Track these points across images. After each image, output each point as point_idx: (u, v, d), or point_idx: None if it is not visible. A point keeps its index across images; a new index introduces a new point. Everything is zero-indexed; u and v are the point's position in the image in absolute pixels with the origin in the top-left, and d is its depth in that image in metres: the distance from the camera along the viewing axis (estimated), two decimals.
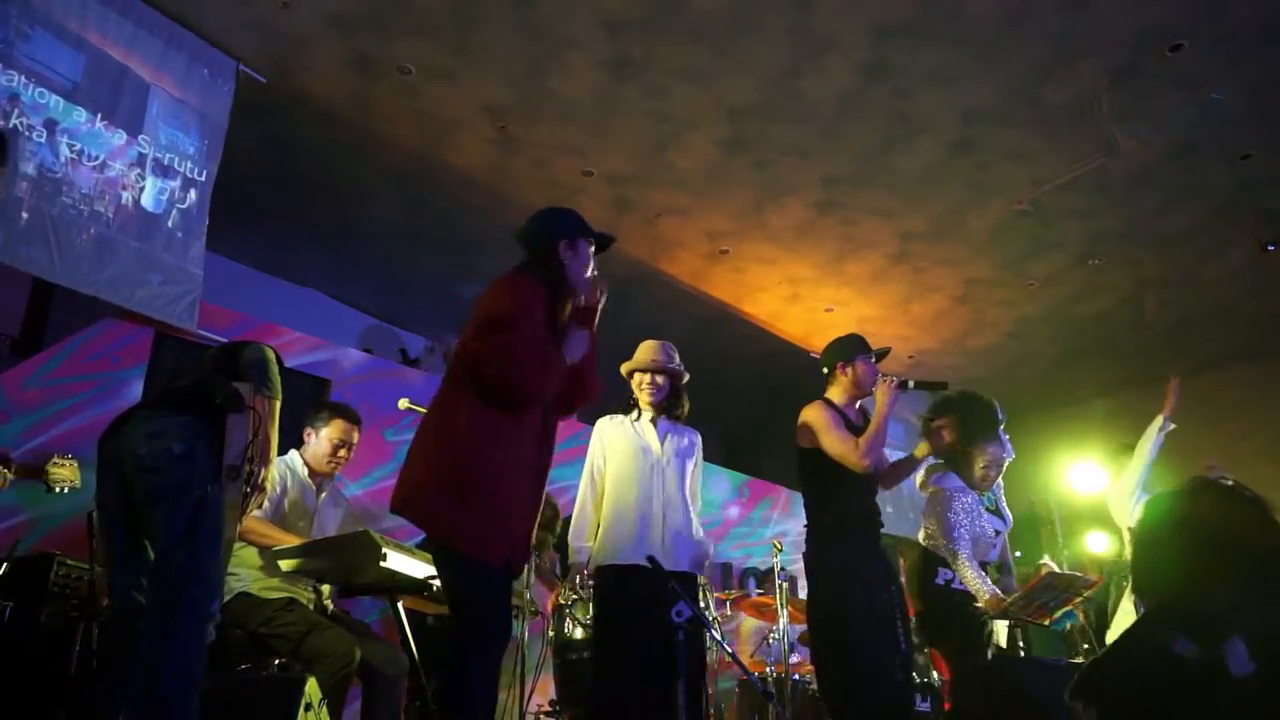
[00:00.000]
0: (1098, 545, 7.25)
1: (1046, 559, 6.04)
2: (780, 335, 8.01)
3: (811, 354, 8.14)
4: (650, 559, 2.99)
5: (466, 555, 2.29)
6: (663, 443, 3.61)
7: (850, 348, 3.65)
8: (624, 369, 3.74)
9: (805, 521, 3.52)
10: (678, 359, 3.73)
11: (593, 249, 2.90)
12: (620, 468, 3.57)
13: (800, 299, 7.48)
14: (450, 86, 5.07)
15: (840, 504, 3.43)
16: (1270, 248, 6.34)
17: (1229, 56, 4.74)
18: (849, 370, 3.60)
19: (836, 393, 3.62)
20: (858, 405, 3.63)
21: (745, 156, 5.66)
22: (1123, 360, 8.52)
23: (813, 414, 3.50)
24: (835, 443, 3.37)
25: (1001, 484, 4.00)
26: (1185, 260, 6.78)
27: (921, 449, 3.72)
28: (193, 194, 4.65)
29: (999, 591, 3.51)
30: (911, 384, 3.57)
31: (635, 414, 3.67)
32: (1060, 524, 8.56)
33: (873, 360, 3.63)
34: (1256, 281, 7.02)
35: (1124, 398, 9.09)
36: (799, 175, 5.84)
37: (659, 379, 3.65)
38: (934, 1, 4.43)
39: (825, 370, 3.69)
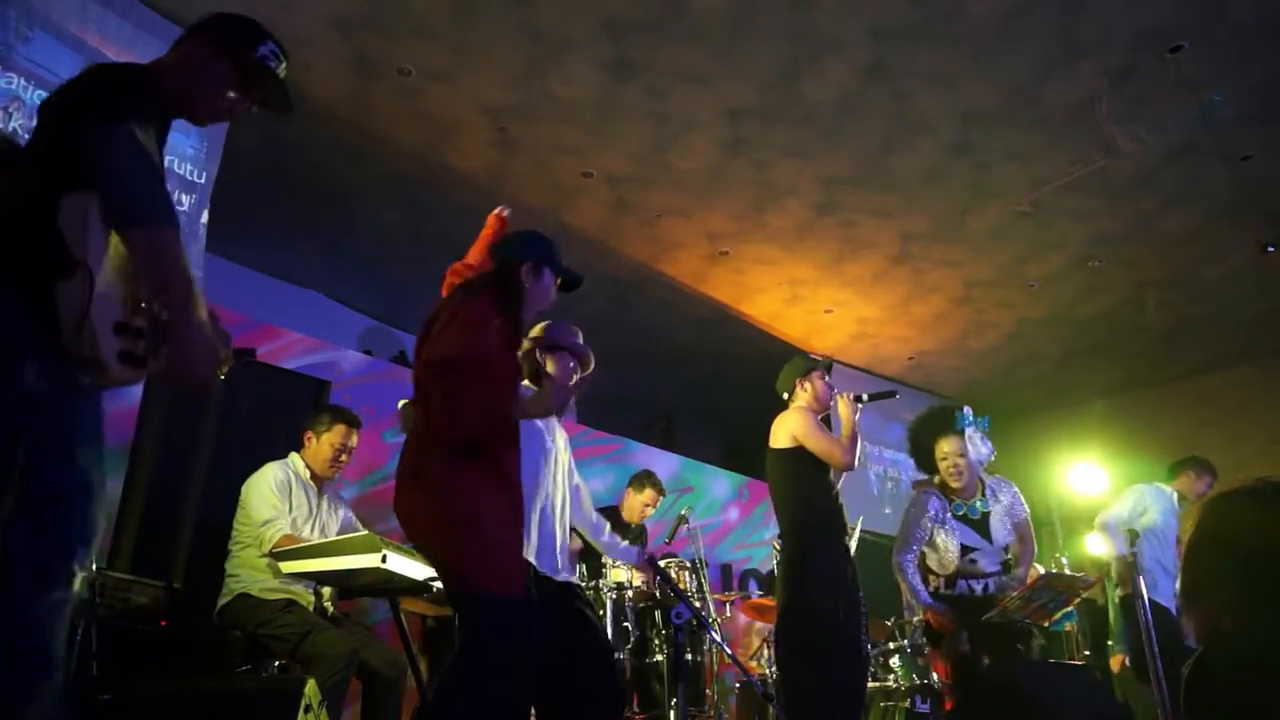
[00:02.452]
0: (1097, 547, 7.24)
1: (1035, 565, 6.05)
2: (780, 336, 8.01)
3: (812, 355, 8.14)
4: (651, 559, 2.95)
5: (488, 591, 2.19)
6: (555, 433, 3.13)
7: (803, 365, 3.89)
8: (536, 338, 3.13)
9: (782, 522, 3.64)
10: None
11: (558, 283, 2.75)
12: (530, 455, 2.89)
13: (800, 300, 7.48)
14: (450, 88, 5.07)
15: (820, 503, 3.59)
16: (1270, 249, 6.34)
17: (1229, 57, 4.74)
18: (808, 385, 3.81)
19: (803, 407, 3.79)
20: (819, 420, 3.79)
21: (745, 157, 5.66)
22: (1123, 361, 8.53)
23: (794, 415, 3.69)
24: (822, 440, 3.59)
25: (1003, 494, 3.99)
26: (1185, 261, 6.79)
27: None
28: (193, 196, 4.65)
29: (931, 603, 3.55)
30: (866, 397, 3.81)
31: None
32: (1060, 525, 8.56)
33: (824, 375, 3.85)
34: (1256, 283, 7.02)
35: (1124, 399, 9.10)
36: (799, 176, 5.84)
37: (578, 369, 3.15)
38: (934, 2, 4.43)
39: (786, 395, 3.87)
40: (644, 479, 5.46)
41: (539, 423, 2.92)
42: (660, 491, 5.43)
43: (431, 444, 2.34)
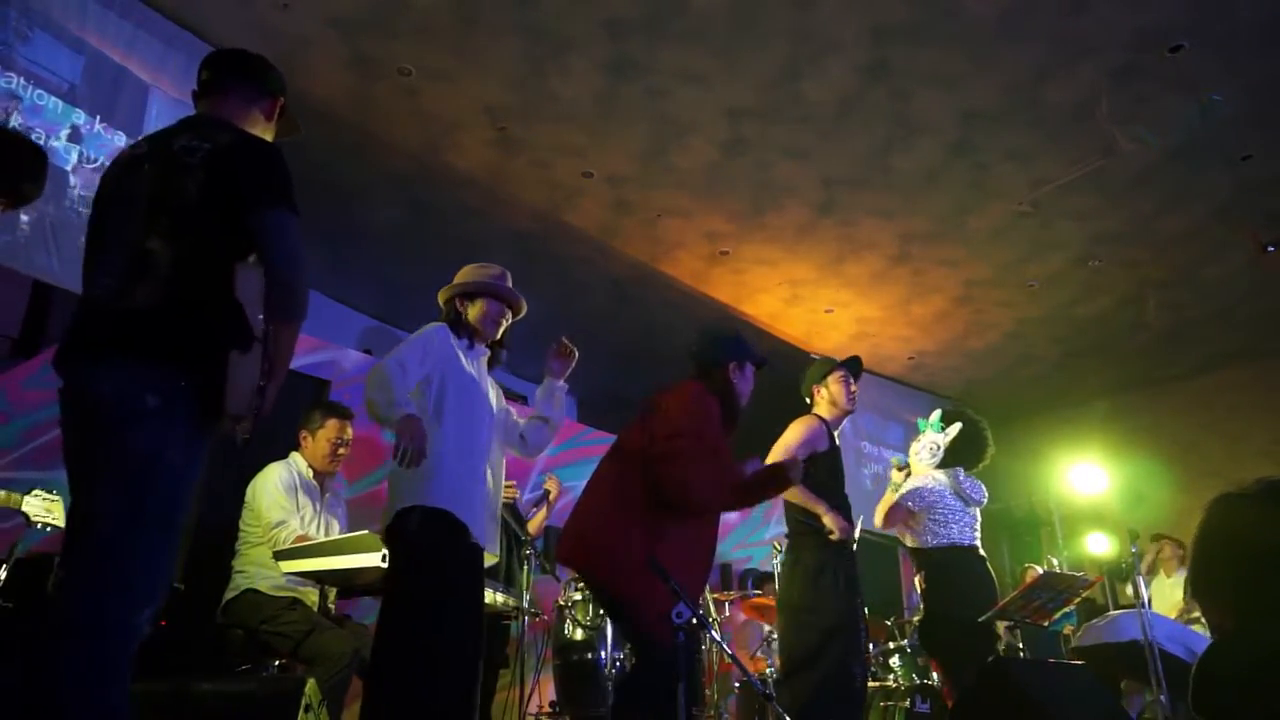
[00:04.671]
0: (1098, 546, 7.25)
1: (1034, 567, 6.09)
2: (780, 336, 8.01)
3: (812, 355, 8.14)
4: (653, 562, 2.89)
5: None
6: (492, 394, 2.98)
7: (822, 368, 3.91)
8: (471, 283, 2.95)
9: (785, 528, 3.72)
10: None
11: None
12: (463, 402, 2.79)
13: (800, 300, 7.48)
14: (450, 87, 5.07)
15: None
16: (1269, 249, 6.34)
17: (1229, 56, 4.74)
18: (824, 390, 3.84)
19: (820, 411, 3.84)
20: (842, 424, 3.86)
21: (745, 157, 5.66)
22: (1122, 361, 8.53)
23: (794, 426, 3.73)
24: (781, 452, 3.59)
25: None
26: (1185, 261, 6.78)
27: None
28: None
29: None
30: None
31: (468, 343, 2.91)
32: (1060, 524, 8.56)
33: (844, 376, 3.84)
34: (1255, 283, 7.02)
35: (1123, 398, 9.10)
36: (799, 176, 5.84)
37: (507, 321, 3.01)
38: (934, 2, 4.43)
39: (808, 399, 3.92)
40: None
41: (480, 372, 2.89)
42: None
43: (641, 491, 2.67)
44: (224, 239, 1.83)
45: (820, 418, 3.76)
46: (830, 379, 3.81)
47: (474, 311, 2.91)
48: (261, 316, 1.82)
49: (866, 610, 3.67)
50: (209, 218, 1.83)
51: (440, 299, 2.98)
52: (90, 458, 1.75)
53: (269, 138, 2.23)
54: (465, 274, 2.99)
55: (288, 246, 1.84)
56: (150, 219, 1.84)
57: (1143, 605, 3.97)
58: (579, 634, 4.30)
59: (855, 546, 3.67)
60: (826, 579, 3.46)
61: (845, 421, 3.87)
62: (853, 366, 3.87)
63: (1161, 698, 3.67)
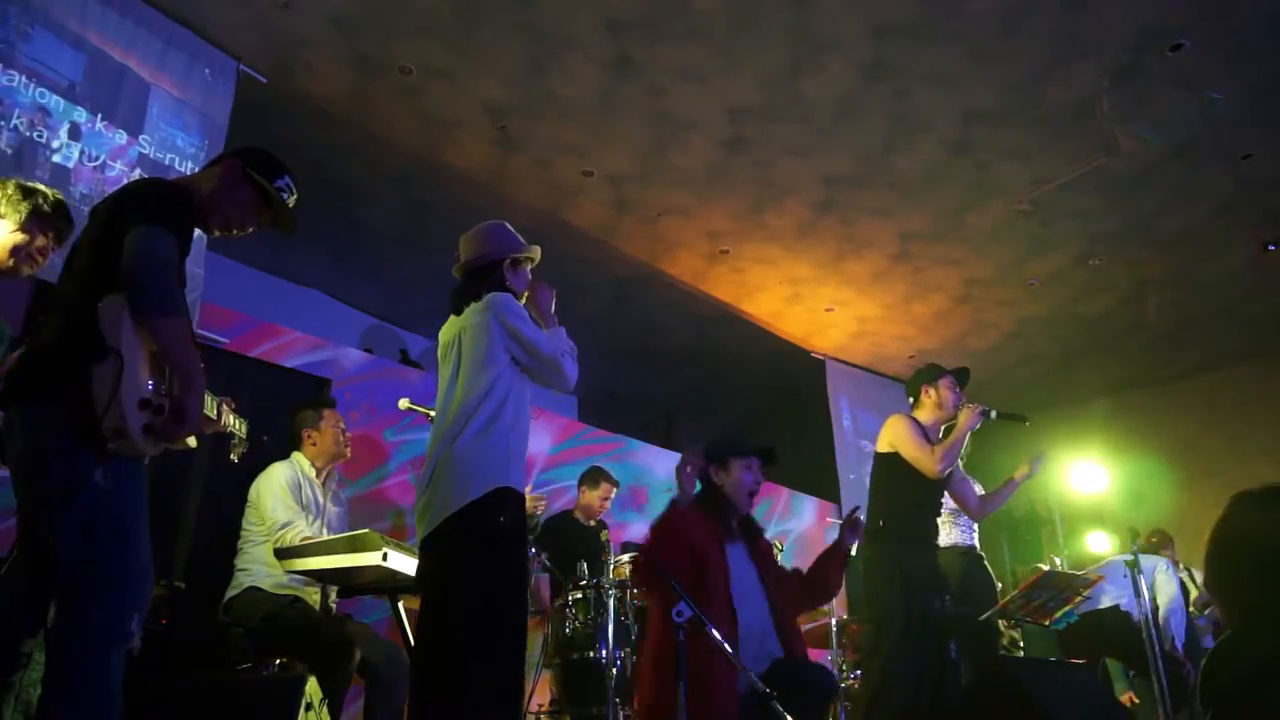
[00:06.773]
0: (1098, 545, 7.25)
1: (1043, 566, 6.11)
2: (781, 335, 8.01)
3: (813, 354, 8.14)
4: (654, 563, 2.92)
5: None
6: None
7: (933, 371, 4.01)
8: (521, 244, 2.85)
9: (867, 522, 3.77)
10: None
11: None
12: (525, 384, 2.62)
13: (800, 299, 7.48)
14: (451, 86, 5.07)
15: (901, 508, 3.70)
16: (1270, 248, 6.34)
17: (1229, 56, 4.73)
18: (932, 392, 3.92)
19: (922, 414, 3.93)
20: (941, 429, 3.92)
21: (745, 156, 5.66)
22: (1123, 360, 8.53)
23: (898, 422, 3.83)
24: (914, 447, 3.68)
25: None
26: (1185, 260, 6.78)
27: (1021, 470, 3.96)
28: None
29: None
30: (994, 414, 3.85)
31: None
32: (1060, 524, 8.56)
33: (954, 383, 3.94)
34: (1256, 281, 7.02)
35: (1124, 397, 9.11)
36: (799, 175, 5.84)
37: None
38: (934, 1, 4.43)
39: (911, 399, 4.03)
40: (597, 474, 5.38)
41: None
42: (614, 483, 5.40)
43: None
44: (103, 274, 1.92)
45: (914, 419, 3.84)
46: (942, 382, 3.91)
47: (525, 272, 2.74)
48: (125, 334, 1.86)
49: (946, 606, 3.59)
50: (94, 258, 1.97)
51: (488, 258, 2.74)
52: (27, 496, 1.90)
53: (236, 191, 2.29)
54: (495, 234, 2.79)
55: (137, 248, 1.88)
56: (64, 274, 2.07)
57: (1144, 602, 3.98)
58: (579, 633, 4.29)
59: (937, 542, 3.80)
60: (885, 574, 3.55)
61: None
62: (961, 377, 3.98)
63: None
